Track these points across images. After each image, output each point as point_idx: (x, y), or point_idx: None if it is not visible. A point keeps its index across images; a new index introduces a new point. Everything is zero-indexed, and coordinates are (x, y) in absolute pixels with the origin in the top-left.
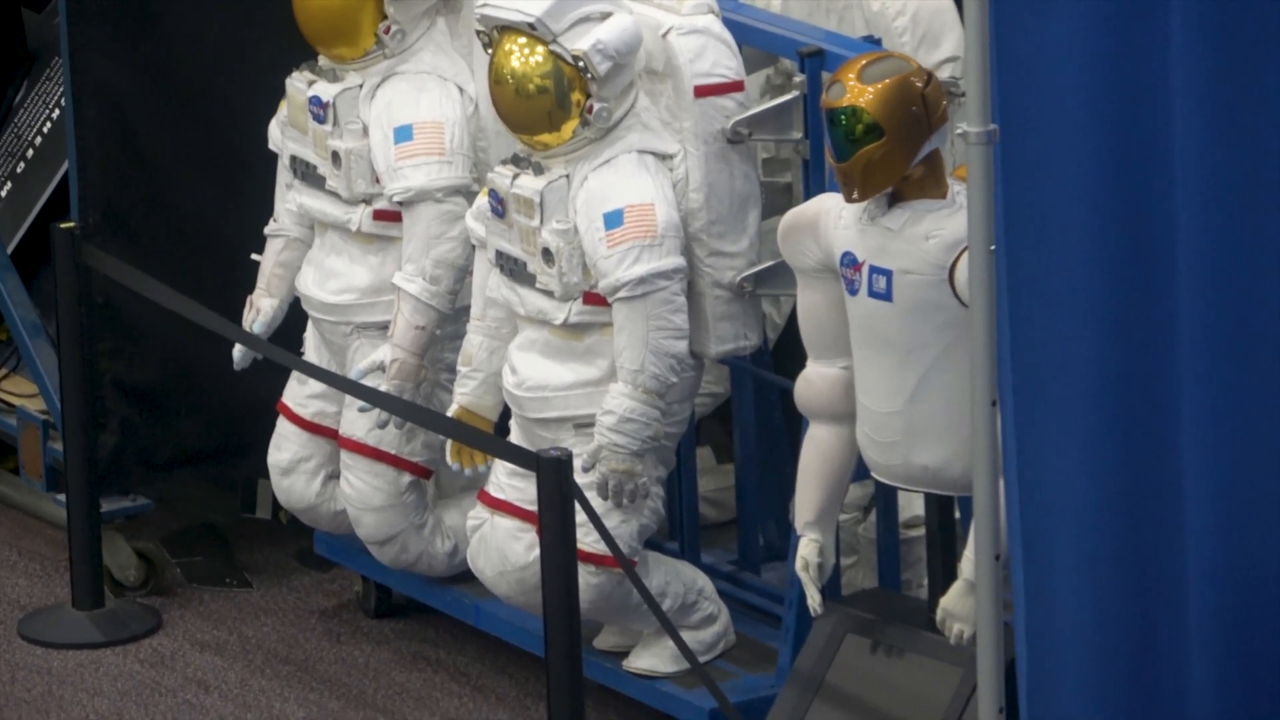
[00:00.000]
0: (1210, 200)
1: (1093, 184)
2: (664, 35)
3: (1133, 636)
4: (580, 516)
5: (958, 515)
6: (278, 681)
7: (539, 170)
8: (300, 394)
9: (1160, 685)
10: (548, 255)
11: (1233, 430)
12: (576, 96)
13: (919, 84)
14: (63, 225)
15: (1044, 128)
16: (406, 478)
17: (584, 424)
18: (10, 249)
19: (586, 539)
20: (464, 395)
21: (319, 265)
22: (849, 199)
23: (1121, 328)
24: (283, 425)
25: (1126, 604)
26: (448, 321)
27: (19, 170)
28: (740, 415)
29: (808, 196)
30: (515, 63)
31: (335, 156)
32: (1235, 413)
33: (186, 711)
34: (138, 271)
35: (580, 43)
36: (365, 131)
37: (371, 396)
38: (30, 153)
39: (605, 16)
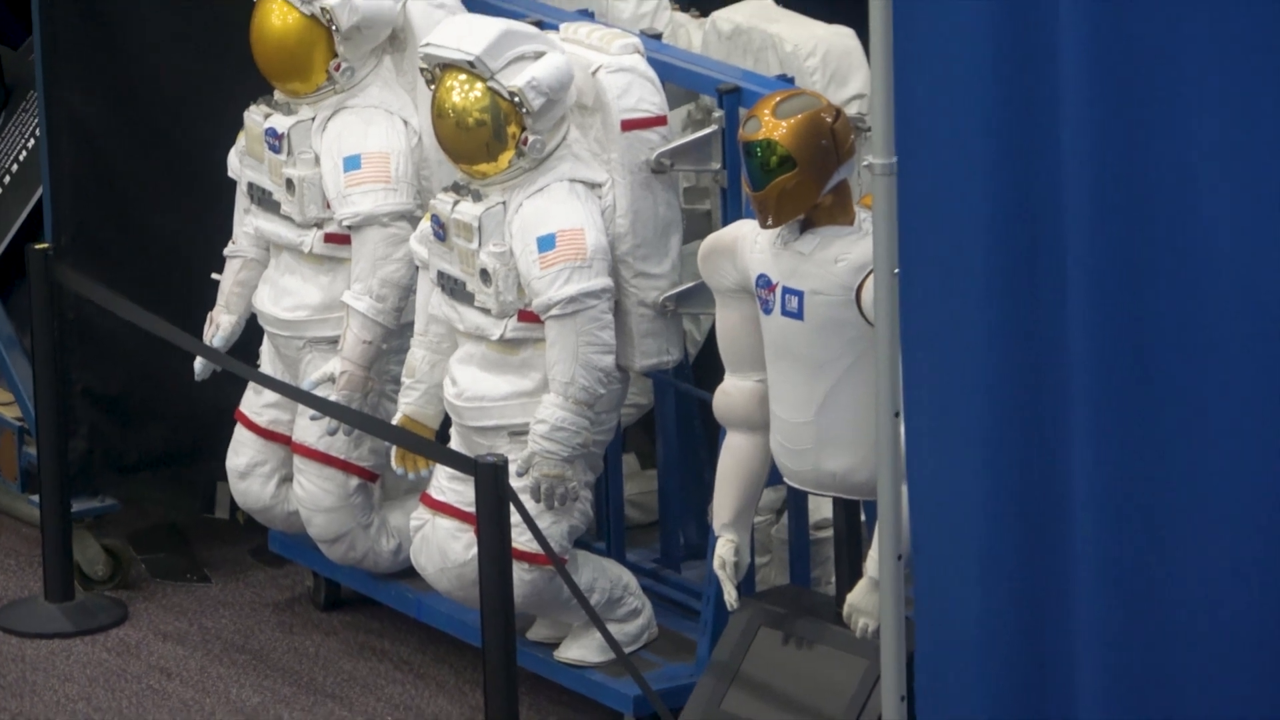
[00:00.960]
0: (1097, 223)
1: (986, 212)
2: (594, 73)
3: (1020, 632)
4: (515, 517)
5: (863, 518)
6: (235, 669)
7: (477, 197)
8: (256, 403)
9: (1046, 678)
10: (485, 276)
11: (1117, 440)
12: (512, 129)
13: (828, 119)
14: (37, 246)
15: (942, 160)
16: (354, 481)
17: (518, 432)
18: None
19: (521, 538)
20: (408, 405)
21: (274, 284)
22: (764, 225)
23: (1014, 345)
24: (240, 432)
25: (1015, 602)
26: (393, 336)
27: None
28: (663, 424)
29: (726, 222)
30: (456, 98)
31: (289, 184)
32: (1119, 424)
33: (150, 697)
34: (106, 289)
35: (516, 79)
36: (317, 161)
37: (322, 406)
38: (7, 179)
39: (539, 55)
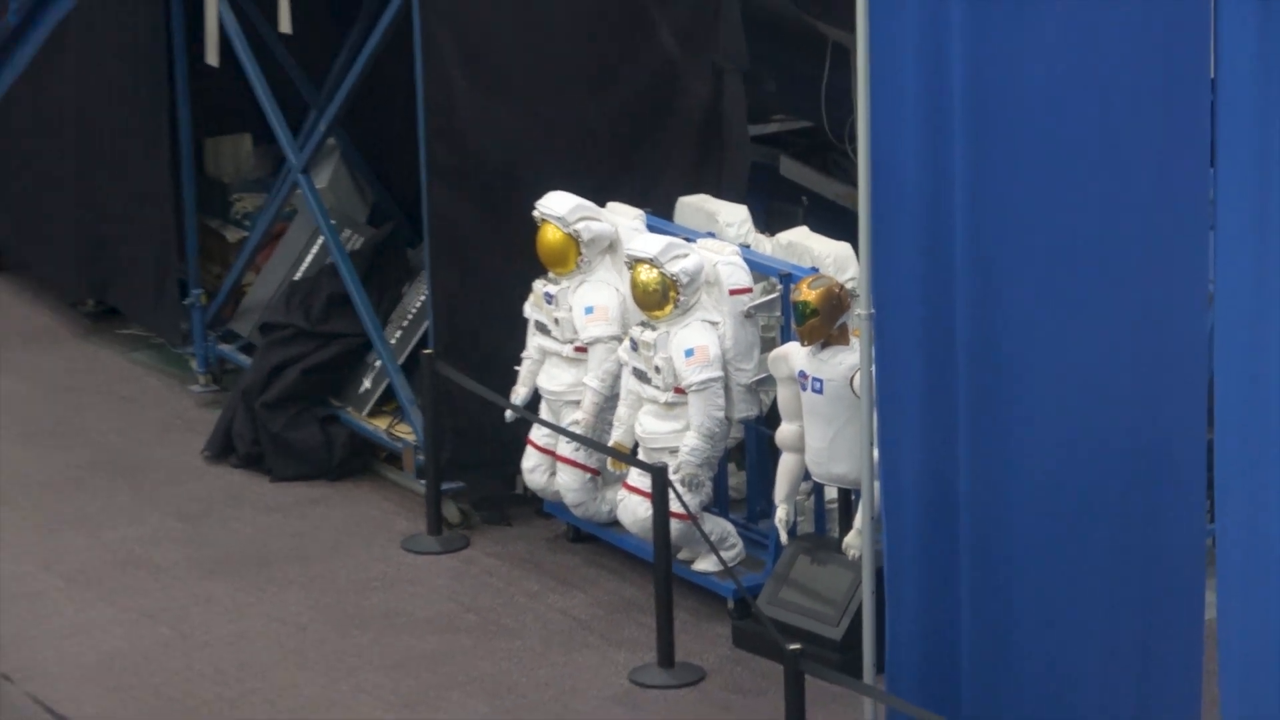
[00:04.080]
0: (981, 352)
1: (918, 341)
2: (715, 265)
3: (936, 559)
4: (671, 495)
5: (853, 498)
6: (525, 572)
7: (653, 329)
8: (538, 434)
9: (950, 581)
10: (657, 370)
11: (990, 475)
12: (672, 294)
13: (837, 290)
14: (425, 351)
15: (894, 314)
16: (588, 475)
17: (674, 450)
18: (400, 361)
19: (674, 506)
20: (616, 435)
21: (547, 372)
22: (803, 345)
23: (934, 414)
24: (529, 449)
25: (936, 538)
26: (608, 401)
27: (405, 324)
28: (749, 447)
29: (783, 343)
30: (643, 276)
31: (556, 321)
32: (991, 462)
33: (481, 586)
34: (464, 376)
35: (674, 268)
36: (570, 309)
37: (572, 436)
38: (410, 315)
39: (687, 255)
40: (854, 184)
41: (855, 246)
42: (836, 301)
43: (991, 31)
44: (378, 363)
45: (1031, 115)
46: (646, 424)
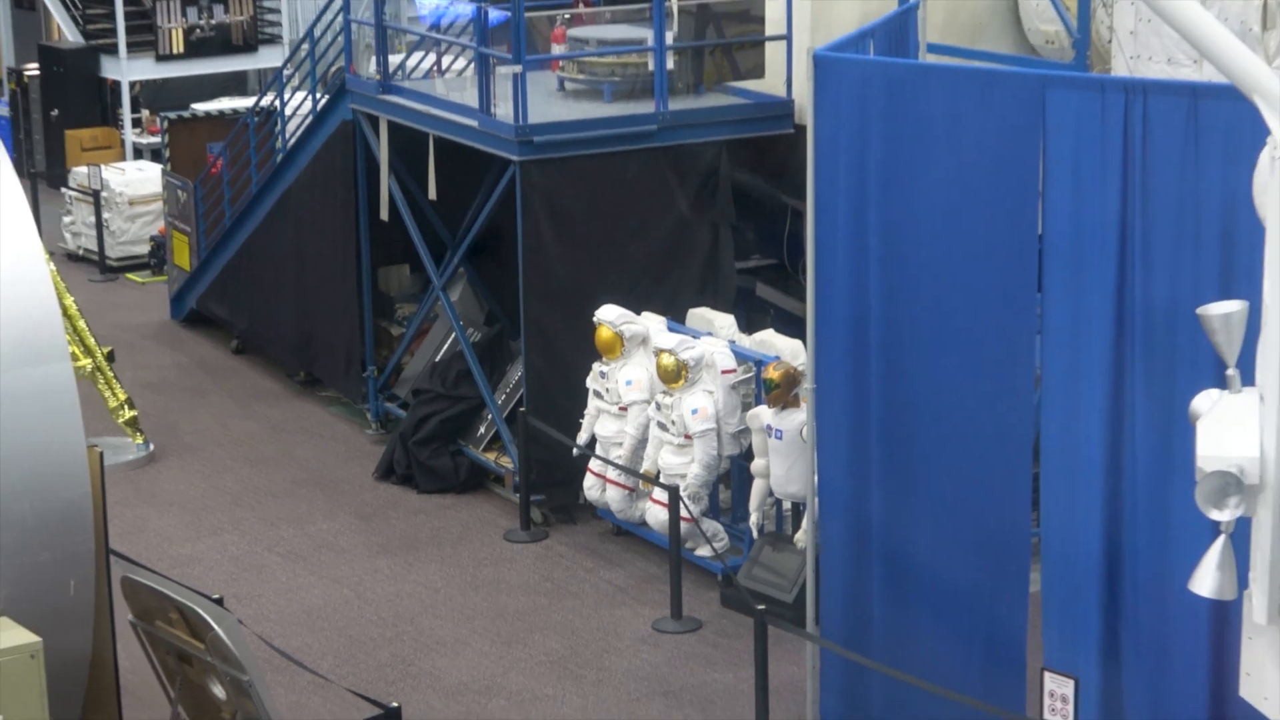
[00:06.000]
0: (887, 413)
1: (846, 405)
2: (712, 354)
3: (859, 542)
4: (681, 506)
5: (802, 508)
6: (584, 555)
7: (671, 395)
8: (594, 464)
9: (861, 570)
10: (673, 423)
11: (892, 494)
12: (683, 372)
13: (793, 371)
14: (521, 409)
15: (826, 387)
16: (627, 492)
17: (684, 476)
18: (504, 415)
19: (684, 513)
20: (646, 465)
21: (600, 424)
22: (769, 407)
23: (854, 455)
24: (588, 474)
25: (858, 526)
26: (641, 443)
27: (508, 390)
28: (733, 474)
29: (756, 406)
30: (665, 360)
31: (607, 390)
32: (893, 486)
33: (555, 565)
34: (547, 426)
35: (685, 355)
36: (617, 382)
37: (617, 467)
38: (511, 385)
39: (693, 347)
40: (804, 301)
41: (805, 342)
42: (792, 379)
43: (895, 205)
44: (489, 416)
45: (919, 264)
46: (665, 459)
